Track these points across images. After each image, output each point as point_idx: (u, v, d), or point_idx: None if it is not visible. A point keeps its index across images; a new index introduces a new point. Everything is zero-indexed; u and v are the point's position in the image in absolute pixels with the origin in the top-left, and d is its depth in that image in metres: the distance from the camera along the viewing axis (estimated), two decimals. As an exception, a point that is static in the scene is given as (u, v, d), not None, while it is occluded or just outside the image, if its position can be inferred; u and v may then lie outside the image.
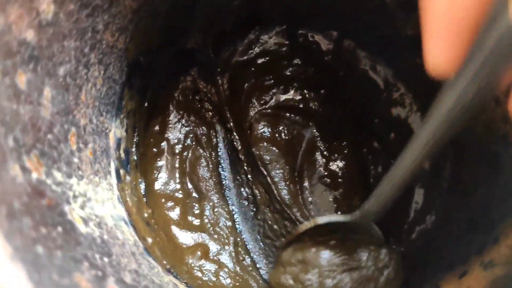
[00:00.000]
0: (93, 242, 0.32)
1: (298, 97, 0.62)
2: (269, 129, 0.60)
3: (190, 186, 0.57)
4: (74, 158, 0.36)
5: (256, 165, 0.57)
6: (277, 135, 0.59)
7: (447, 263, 0.45)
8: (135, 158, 0.52)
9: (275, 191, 0.56)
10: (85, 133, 0.39)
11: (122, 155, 0.49)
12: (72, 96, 0.36)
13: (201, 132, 0.60)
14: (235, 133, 0.59)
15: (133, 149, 0.52)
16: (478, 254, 0.40)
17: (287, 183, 0.57)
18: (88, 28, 0.36)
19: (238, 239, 0.55)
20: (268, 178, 0.57)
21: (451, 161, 0.53)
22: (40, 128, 0.31)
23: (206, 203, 0.57)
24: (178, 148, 0.59)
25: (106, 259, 0.32)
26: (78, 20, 0.34)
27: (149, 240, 0.47)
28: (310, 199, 0.56)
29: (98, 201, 0.39)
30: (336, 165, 0.58)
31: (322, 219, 0.46)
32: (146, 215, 0.51)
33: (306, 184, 0.57)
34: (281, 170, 0.57)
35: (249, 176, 0.58)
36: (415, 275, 0.48)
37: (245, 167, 0.58)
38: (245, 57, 0.62)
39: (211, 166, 0.59)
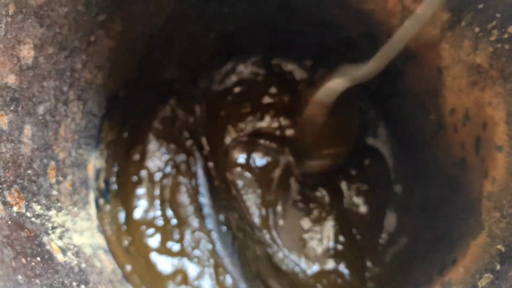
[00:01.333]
0: (70, 271, 0.34)
1: (274, 125, 0.64)
2: (244, 156, 0.62)
3: (170, 212, 0.59)
4: (53, 190, 0.38)
5: (229, 191, 0.59)
6: (251, 161, 0.61)
7: (413, 283, 0.47)
8: (116, 187, 0.54)
9: (247, 216, 0.58)
10: (64, 166, 0.41)
11: (102, 185, 0.51)
12: (51, 132, 0.38)
13: (181, 159, 0.62)
14: (211, 161, 0.61)
15: (114, 179, 0.54)
16: (439, 275, 0.43)
17: (259, 208, 0.59)
18: (66, 68, 0.39)
19: (218, 261, 0.57)
20: (241, 203, 0.59)
21: (420, 185, 0.56)
22: (21, 164, 0.33)
23: (186, 227, 0.58)
24: (158, 175, 0.60)
25: (83, 287, 0.34)
26: (57, 62, 0.37)
27: (128, 267, 0.49)
28: (281, 222, 0.58)
29: (77, 231, 0.40)
30: (311, 191, 0.61)
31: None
32: (126, 242, 0.53)
33: (279, 208, 0.59)
34: (253, 195, 0.60)
35: (224, 202, 0.60)
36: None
37: (221, 193, 0.60)
38: (222, 86, 0.65)
39: (190, 192, 0.61)
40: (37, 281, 0.27)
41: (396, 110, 0.58)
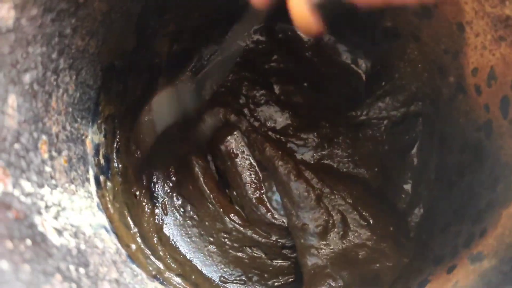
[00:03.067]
0: (67, 253, 0.31)
1: (277, 91, 0.61)
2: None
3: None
4: (46, 167, 0.35)
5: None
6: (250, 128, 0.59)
7: (435, 257, 0.45)
8: (116, 164, 0.51)
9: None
10: (57, 140, 0.38)
11: (102, 161, 0.48)
12: (41, 103, 0.35)
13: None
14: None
15: (114, 155, 0.51)
16: (466, 247, 0.40)
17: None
18: (54, 33, 0.35)
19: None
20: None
21: (437, 152, 0.53)
22: (5, 138, 0.30)
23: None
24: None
25: (82, 270, 0.31)
26: (43, 25, 0.33)
27: (133, 246, 0.46)
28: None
29: (75, 210, 0.38)
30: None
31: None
32: (130, 222, 0.50)
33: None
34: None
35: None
36: (405, 270, 0.48)
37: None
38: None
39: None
40: (26, 267, 0.24)
41: (409, 74, 0.55)
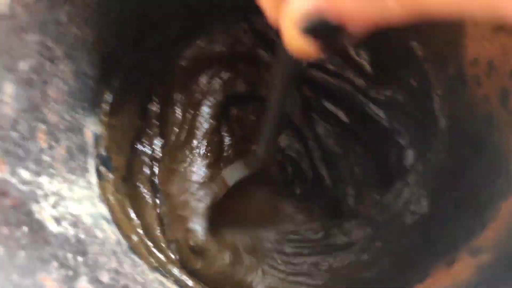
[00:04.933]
0: (65, 242, 0.31)
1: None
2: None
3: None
4: (44, 156, 0.35)
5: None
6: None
7: (435, 251, 0.44)
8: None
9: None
10: (57, 130, 0.38)
11: (103, 152, 0.47)
12: (38, 92, 0.35)
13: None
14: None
15: (114, 146, 0.50)
16: (466, 241, 0.39)
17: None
18: (49, 20, 0.35)
19: None
20: None
21: (438, 145, 0.52)
22: (1, 126, 0.29)
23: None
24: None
25: (80, 259, 0.31)
26: (37, 12, 0.33)
27: (134, 238, 0.46)
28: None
29: (75, 200, 0.37)
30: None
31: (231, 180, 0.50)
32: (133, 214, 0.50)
33: None
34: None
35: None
36: (406, 264, 0.47)
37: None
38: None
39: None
40: (22, 253, 0.24)
41: (406, 66, 0.54)
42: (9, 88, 0.31)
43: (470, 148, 0.45)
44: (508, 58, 0.38)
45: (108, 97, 0.49)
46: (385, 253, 0.51)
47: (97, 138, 0.46)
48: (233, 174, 0.51)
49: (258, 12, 0.27)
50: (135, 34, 0.49)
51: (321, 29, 0.23)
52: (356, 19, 0.22)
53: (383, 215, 0.53)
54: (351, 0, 0.22)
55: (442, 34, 0.46)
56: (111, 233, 0.41)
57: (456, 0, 0.21)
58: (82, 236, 0.34)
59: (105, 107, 0.48)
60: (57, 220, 0.32)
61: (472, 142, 0.45)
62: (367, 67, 0.57)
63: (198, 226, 0.53)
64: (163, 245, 0.51)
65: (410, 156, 0.54)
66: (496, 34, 0.39)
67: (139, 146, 0.55)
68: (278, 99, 0.39)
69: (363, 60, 0.57)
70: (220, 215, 0.53)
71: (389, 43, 0.53)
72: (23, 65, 0.32)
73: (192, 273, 0.50)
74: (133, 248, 0.44)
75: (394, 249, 0.50)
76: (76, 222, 0.35)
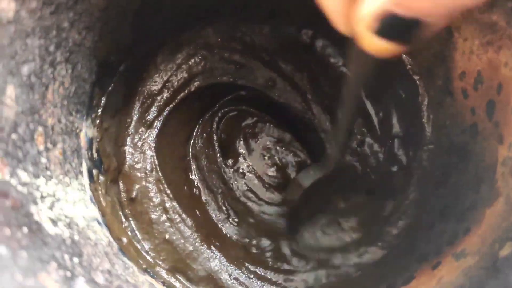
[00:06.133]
0: (62, 243, 0.32)
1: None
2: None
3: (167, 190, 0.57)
4: (42, 158, 0.35)
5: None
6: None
7: (421, 254, 0.46)
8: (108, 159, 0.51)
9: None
10: (53, 132, 0.38)
11: (95, 155, 0.48)
12: (38, 95, 0.35)
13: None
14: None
15: (107, 150, 0.51)
16: (451, 245, 0.41)
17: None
18: (52, 26, 0.36)
19: None
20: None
21: (425, 152, 0.54)
22: (3, 128, 0.30)
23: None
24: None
25: (76, 260, 0.32)
26: (42, 17, 0.34)
27: (124, 240, 0.47)
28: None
29: (69, 202, 0.38)
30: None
31: (306, 182, 0.51)
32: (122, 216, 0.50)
33: None
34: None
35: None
36: (391, 267, 0.48)
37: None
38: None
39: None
40: (24, 253, 0.25)
41: (398, 78, 0.56)
42: (12, 92, 0.31)
43: (456, 157, 0.47)
44: (495, 72, 0.40)
45: (102, 101, 0.49)
46: (371, 256, 0.53)
47: (90, 141, 0.47)
48: (307, 177, 0.51)
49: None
50: (129, 42, 0.50)
51: (396, 27, 0.23)
52: (428, 12, 0.22)
53: (370, 219, 0.55)
54: None
55: (432, 47, 0.48)
56: (102, 235, 0.42)
57: None
58: (76, 237, 0.35)
59: (99, 110, 0.49)
60: (54, 222, 0.33)
61: (457, 150, 0.46)
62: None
63: None
64: (152, 247, 0.52)
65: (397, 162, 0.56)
66: (484, 49, 0.41)
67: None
68: (353, 101, 0.38)
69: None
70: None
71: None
72: (25, 69, 0.33)
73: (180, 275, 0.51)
74: (123, 250, 0.45)
75: (380, 252, 0.52)
76: (70, 224, 0.36)
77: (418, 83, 0.53)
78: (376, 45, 0.24)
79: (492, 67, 0.40)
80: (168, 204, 0.54)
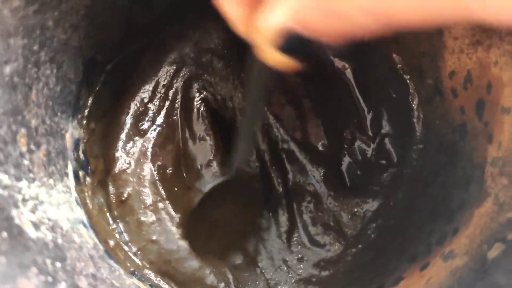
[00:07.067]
0: (44, 247, 0.31)
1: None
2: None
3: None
4: (24, 160, 0.35)
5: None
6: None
7: (409, 255, 0.45)
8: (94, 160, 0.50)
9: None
10: (37, 134, 0.38)
11: (82, 156, 0.47)
12: (20, 95, 0.35)
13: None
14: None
15: (93, 151, 0.50)
16: (439, 246, 0.41)
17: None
18: (36, 25, 0.35)
19: None
20: None
21: (415, 151, 0.54)
22: (-17, 130, 0.29)
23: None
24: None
25: (58, 264, 0.31)
26: (25, 16, 0.33)
27: (111, 242, 0.46)
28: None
29: (53, 204, 0.37)
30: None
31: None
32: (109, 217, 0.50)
33: None
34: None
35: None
36: (380, 268, 0.48)
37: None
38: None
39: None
40: (2, 259, 0.24)
41: (386, 77, 0.56)
42: (-7, 92, 0.31)
43: (445, 156, 0.46)
44: (485, 71, 0.40)
45: (89, 101, 0.49)
46: (359, 257, 0.52)
47: (77, 142, 0.46)
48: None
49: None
50: (117, 40, 0.49)
51: (295, 43, 0.23)
52: (326, 35, 0.22)
53: (358, 219, 0.54)
54: (320, 15, 0.22)
55: (421, 46, 0.48)
56: (88, 237, 0.41)
57: (424, 9, 0.20)
58: (60, 241, 0.35)
59: (86, 111, 0.48)
60: (36, 225, 0.32)
61: (447, 150, 0.46)
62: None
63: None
64: (140, 249, 0.52)
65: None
66: (473, 48, 0.41)
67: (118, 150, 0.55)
68: (253, 108, 0.39)
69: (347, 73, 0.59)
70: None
71: (372, 56, 0.55)
72: (8, 69, 0.32)
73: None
74: (110, 253, 0.44)
75: (368, 253, 0.52)
76: (54, 227, 0.35)
77: (408, 82, 0.53)
78: (274, 58, 0.24)
79: (482, 66, 0.40)
80: (160, 205, 0.54)
